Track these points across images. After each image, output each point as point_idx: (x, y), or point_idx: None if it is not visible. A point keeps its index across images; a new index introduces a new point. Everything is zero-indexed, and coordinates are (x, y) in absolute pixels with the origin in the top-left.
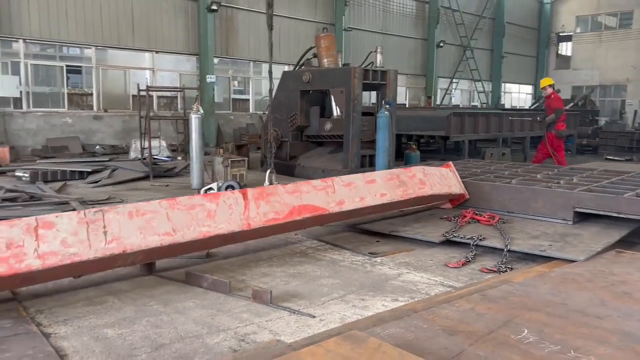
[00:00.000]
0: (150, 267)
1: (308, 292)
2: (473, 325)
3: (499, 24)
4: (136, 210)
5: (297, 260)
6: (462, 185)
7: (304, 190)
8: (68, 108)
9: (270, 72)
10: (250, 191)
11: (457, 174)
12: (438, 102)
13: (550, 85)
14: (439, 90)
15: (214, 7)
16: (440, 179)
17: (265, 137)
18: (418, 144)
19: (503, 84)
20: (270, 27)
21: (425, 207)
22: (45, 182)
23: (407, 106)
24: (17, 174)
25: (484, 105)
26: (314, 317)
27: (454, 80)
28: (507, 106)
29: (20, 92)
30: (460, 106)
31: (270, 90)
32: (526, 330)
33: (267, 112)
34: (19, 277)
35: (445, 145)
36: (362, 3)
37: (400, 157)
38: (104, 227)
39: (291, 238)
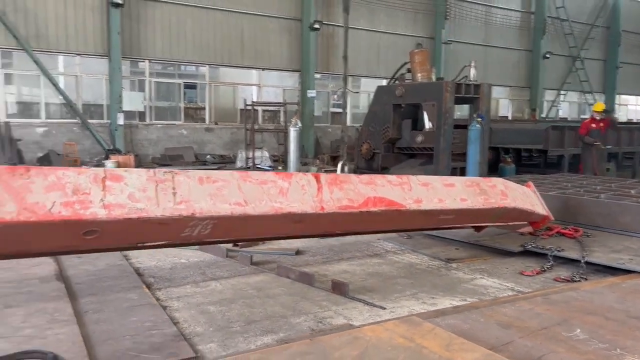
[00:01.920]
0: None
1: (383, 289)
2: (528, 322)
3: (614, 32)
4: (207, 177)
5: (375, 261)
6: (545, 206)
7: (378, 183)
8: (184, 121)
9: (345, 79)
10: (323, 175)
11: (538, 194)
12: (544, 115)
13: None
14: (544, 103)
15: (316, 25)
16: (522, 195)
17: (358, 149)
18: (519, 157)
19: (618, 96)
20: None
21: (503, 225)
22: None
23: (509, 119)
24: None
25: None
26: (385, 309)
27: (561, 92)
28: (623, 119)
29: (144, 106)
30: (569, 119)
31: (344, 101)
32: (578, 330)
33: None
34: (82, 224)
35: (545, 160)
36: (463, 16)
37: (495, 171)
38: (173, 188)
39: (372, 242)
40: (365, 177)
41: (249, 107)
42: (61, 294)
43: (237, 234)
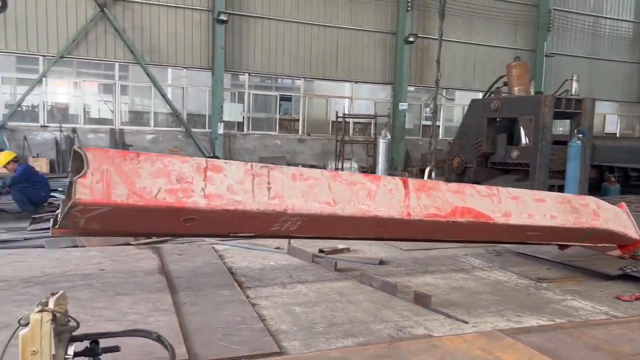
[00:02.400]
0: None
1: (466, 303)
2: (619, 346)
3: None
4: (300, 174)
5: (461, 276)
6: (638, 229)
7: (467, 192)
8: (278, 131)
9: (437, 82)
10: (411, 181)
11: (631, 217)
12: None
13: None
14: None
15: (411, 39)
16: (614, 215)
17: (449, 163)
18: (626, 177)
19: None
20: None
21: (591, 246)
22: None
23: (617, 135)
24: None
25: None
26: (467, 323)
27: None
28: None
29: (243, 117)
30: None
31: (434, 114)
32: None
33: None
34: (184, 211)
35: None
36: (568, 27)
37: (598, 190)
38: (268, 182)
39: (459, 257)
40: (453, 186)
41: (341, 119)
42: (162, 287)
43: (322, 232)
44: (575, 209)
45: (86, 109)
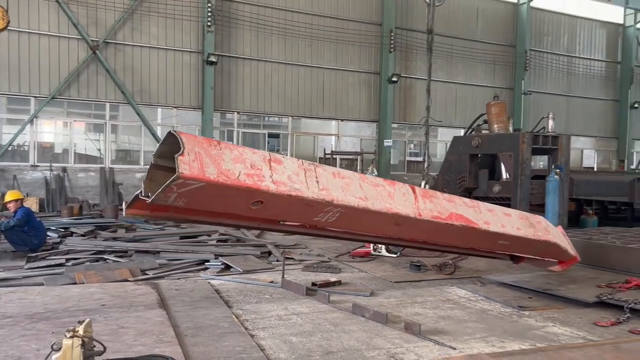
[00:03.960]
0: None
1: (453, 331)
2: None
3: None
4: (337, 172)
5: (448, 306)
6: (574, 248)
7: (457, 202)
8: None
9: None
10: (417, 188)
11: (567, 237)
12: (633, 166)
13: None
14: (634, 154)
15: (395, 78)
16: (558, 233)
17: None
18: (605, 210)
19: None
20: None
21: (539, 261)
22: (248, 229)
23: (594, 170)
24: None
25: None
26: (455, 349)
27: None
28: None
29: None
30: None
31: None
32: None
33: (428, 174)
34: (258, 192)
35: (632, 213)
36: (544, 67)
37: (577, 223)
38: (316, 177)
39: (445, 288)
40: (447, 195)
41: (328, 156)
42: (164, 320)
43: (352, 226)
44: (532, 224)
45: (76, 149)
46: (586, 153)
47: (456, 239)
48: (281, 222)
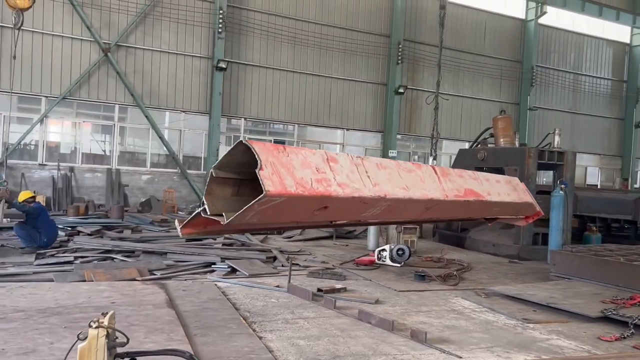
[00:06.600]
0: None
1: (459, 340)
2: None
3: None
4: (380, 163)
5: (453, 316)
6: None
7: (465, 175)
8: None
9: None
10: (436, 168)
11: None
12: (637, 185)
13: None
14: (638, 173)
15: (401, 90)
16: (527, 191)
17: None
18: (608, 228)
19: None
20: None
21: (508, 218)
22: (252, 233)
23: (598, 187)
24: None
25: None
26: (461, 358)
27: None
28: None
29: None
30: None
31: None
32: None
33: None
34: (327, 199)
35: (636, 231)
36: (550, 83)
37: (580, 239)
38: (366, 171)
39: (450, 299)
40: (457, 171)
41: None
42: (173, 319)
43: (390, 216)
44: (515, 188)
45: (84, 149)
46: (590, 170)
47: (464, 211)
48: (332, 222)
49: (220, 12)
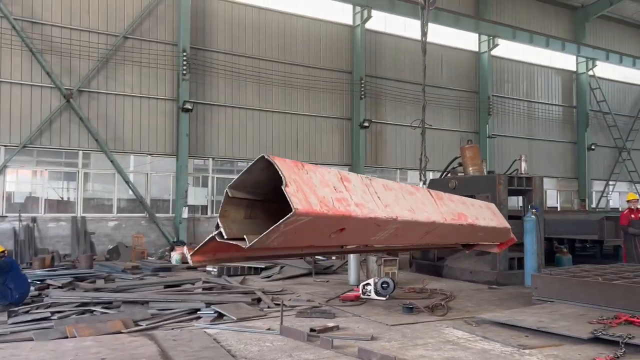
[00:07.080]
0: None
1: None
2: None
3: None
4: (386, 184)
5: (450, 347)
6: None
7: (454, 199)
8: None
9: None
10: (431, 191)
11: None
12: (593, 205)
13: None
14: (593, 193)
15: (366, 124)
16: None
17: None
18: (572, 247)
19: None
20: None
21: (483, 245)
22: (229, 275)
23: (558, 209)
24: (208, 268)
25: None
26: None
27: (610, 182)
28: None
29: (207, 200)
30: (620, 209)
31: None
32: None
33: None
34: (348, 219)
35: (601, 250)
36: (506, 111)
37: (552, 261)
38: (376, 192)
39: (442, 329)
40: (447, 195)
41: None
42: None
43: (394, 241)
44: (494, 213)
45: (47, 198)
46: (549, 193)
47: (456, 236)
48: (343, 247)
49: (184, 54)
